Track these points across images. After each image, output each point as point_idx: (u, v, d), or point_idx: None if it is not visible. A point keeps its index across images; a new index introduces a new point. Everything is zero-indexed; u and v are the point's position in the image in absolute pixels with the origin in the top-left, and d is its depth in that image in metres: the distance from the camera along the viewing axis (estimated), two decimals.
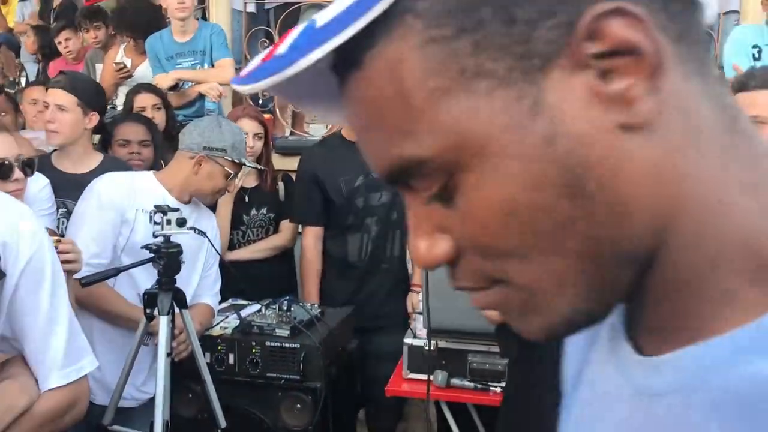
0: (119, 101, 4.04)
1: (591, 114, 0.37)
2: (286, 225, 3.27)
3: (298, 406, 2.45)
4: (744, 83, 2.02)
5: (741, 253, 0.39)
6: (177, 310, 2.21)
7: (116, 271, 2.15)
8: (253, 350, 2.45)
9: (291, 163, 3.85)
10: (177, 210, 2.16)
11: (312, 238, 3.10)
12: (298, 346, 2.43)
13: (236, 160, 2.42)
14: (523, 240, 0.39)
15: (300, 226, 3.20)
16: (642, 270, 0.40)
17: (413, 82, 0.38)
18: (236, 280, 2.94)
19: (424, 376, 2.40)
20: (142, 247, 2.18)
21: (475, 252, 0.41)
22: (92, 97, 2.77)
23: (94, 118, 2.74)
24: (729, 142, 0.40)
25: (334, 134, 3.25)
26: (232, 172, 2.43)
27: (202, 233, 2.34)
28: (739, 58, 3.45)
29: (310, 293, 3.07)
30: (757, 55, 3.45)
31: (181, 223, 2.12)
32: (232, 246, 3.16)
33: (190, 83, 3.95)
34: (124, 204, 2.30)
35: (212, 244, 2.43)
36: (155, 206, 2.16)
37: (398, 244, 3.05)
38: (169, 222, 2.12)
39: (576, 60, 0.37)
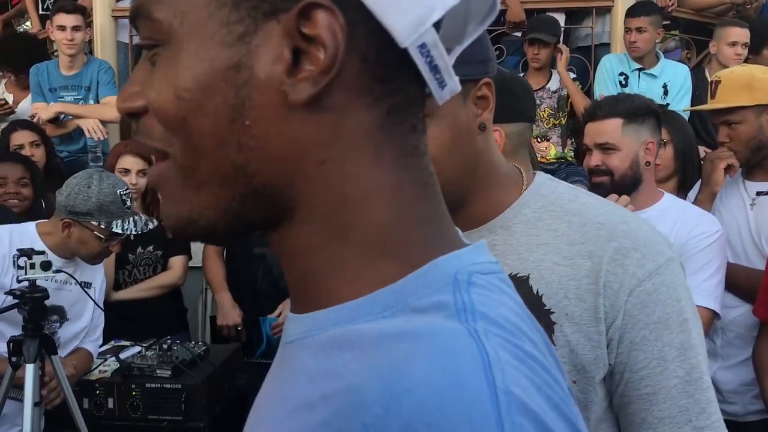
0: None
1: (274, 70, 0.45)
2: (175, 262, 3.21)
3: None
4: (592, 113, 2.12)
5: (369, 240, 0.47)
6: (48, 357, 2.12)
7: None
8: (133, 393, 2.38)
9: None
10: (42, 253, 2.08)
11: (212, 249, 3.15)
12: (180, 386, 2.37)
13: (103, 225, 2.23)
14: (185, 127, 0.47)
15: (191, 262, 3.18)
16: (270, 212, 0.48)
17: None
18: (122, 320, 2.86)
19: None
20: (5, 293, 2.09)
21: (153, 115, 0.48)
22: None
23: None
24: (398, 161, 0.48)
25: None
26: (103, 236, 2.24)
27: (87, 284, 2.29)
28: (607, 85, 3.64)
29: (218, 289, 3.10)
30: (624, 82, 3.65)
31: (46, 266, 2.04)
32: (117, 286, 3.07)
33: (71, 117, 3.84)
34: (2, 268, 2.20)
35: (92, 299, 2.36)
36: (18, 250, 2.08)
37: None
38: (33, 266, 2.04)
39: (288, 26, 0.45)
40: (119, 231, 2.25)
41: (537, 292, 0.94)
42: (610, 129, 2.07)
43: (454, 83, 0.48)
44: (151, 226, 2.41)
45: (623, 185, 2.14)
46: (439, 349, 0.42)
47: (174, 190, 0.49)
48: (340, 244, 0.48)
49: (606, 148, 2.10)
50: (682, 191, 2.53)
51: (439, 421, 0.38)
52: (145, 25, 0.48)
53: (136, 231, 2.31)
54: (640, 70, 3.70)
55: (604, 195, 2.18)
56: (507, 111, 1.11)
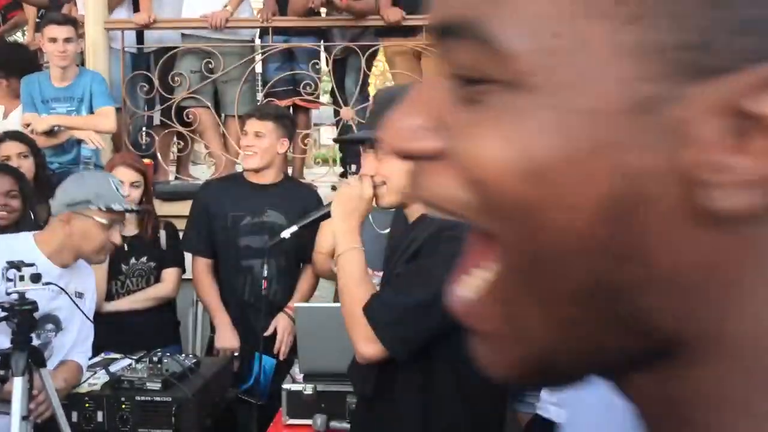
0: None
1: (694, 158, 0.30)
2: (168, 274, 3.20)
3: None
4: None
5: None
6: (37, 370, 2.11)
7: None
8: (123, 406, 2.37)
9: (174, 209, 3.77)
10: (32, 265, 2.07)
11: (202, 265, 3.09)
12: (170, 399, 2.36)
13: (103, 208, 2.29)
14: (529, 213, 0.32)
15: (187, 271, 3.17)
16: (641, 346, 0.34)
17: None
18: (114, 332, 2.84)
19: (304, 421, 2.38)
20: None
21: (462, 175, 0.34)
22: None
23: None
24: None
25: (236, 174, 3.38)
26: (105, 221, 2.29)
27: (79, 294, 2.31)
28: None
29: (216, 311, 3.05)
30: None
31: (36, 278, 2.03)
32: (110, 296, 3.06)
33: (64, 128, 3.83)
34: None
35: (82, 311, 2.34)
36: (7, 262, 2.06)
37: (279, 288, 3.04)
38: (22, 278, 2.03)
39: (728, 95, 0.30)
40: (120, 208, 2.30)
41: None
42: None
43: None
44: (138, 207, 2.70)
45: None
46: None
47: (506, 301, 0.35)
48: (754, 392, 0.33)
49: None
50: None
51: None
52: (476, 50, 0.32)
53: (136, 209, 2.53)
54: None
55: None
56: None
